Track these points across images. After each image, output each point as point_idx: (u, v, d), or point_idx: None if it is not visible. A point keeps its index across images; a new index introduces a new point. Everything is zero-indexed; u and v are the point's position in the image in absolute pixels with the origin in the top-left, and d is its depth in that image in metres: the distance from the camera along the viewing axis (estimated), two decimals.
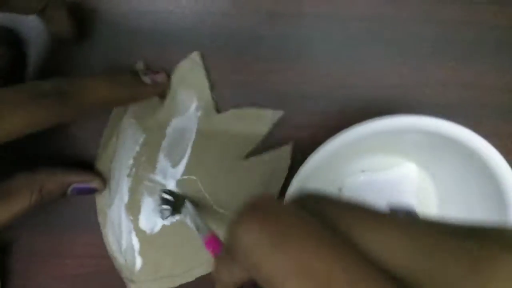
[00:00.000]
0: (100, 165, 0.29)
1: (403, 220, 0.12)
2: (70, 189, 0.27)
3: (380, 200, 0.27)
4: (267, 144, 0.29)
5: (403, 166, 0.27)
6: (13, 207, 0.24)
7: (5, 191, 0.24)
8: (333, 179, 0.27)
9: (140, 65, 0.28)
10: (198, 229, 0.24)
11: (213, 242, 0.23)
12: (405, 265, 0.11)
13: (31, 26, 0.28)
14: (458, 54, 0.27)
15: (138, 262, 0.30)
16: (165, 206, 0.27)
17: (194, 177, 0.29)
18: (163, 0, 0.28)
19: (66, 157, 0.30)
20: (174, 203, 0.28)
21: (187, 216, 0.26)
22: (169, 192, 0.28)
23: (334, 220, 0.12)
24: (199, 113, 0.28)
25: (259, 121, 0.28)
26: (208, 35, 0.28)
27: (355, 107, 0.28)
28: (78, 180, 0.27)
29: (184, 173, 0.29)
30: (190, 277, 0.30)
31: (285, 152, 0.28)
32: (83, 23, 0.28)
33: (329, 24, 0.27)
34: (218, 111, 0.28)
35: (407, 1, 0.27)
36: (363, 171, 0.27)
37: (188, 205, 0.27)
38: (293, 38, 0.28)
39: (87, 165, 0.29)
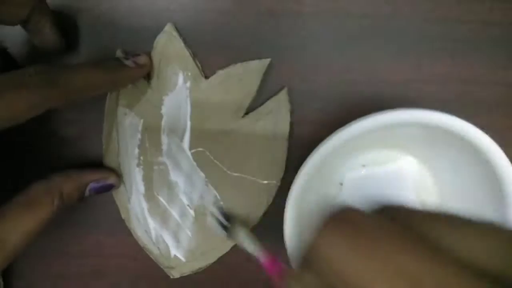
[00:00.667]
0: (108, 162, 0.29)
1: (476, 220, 0.12)
2: (88, 189, 0.27)
3: (380, 193, 0.27)
4: (264, 98, 0.28)
5: (403, 159, 0.27)
6: (38, 215, 0.24)
7: (26, 202, 0.24)
8: (334, 174, 0.27)
9: (119, 53, 0.28)
10: (254, 251, 0.24)
11: (274, 264, 0.23)
12: (495, 263, 0.11)
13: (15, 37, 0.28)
14: (455, 50, 0.28)
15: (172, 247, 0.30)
16: (219, 228, 0.27)
17: (201, 149, 0.29)
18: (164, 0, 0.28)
19: (74, 160, 0.30)
20: (225, 226, 0.27)
21: (239, 238, 0.26)
22: (221, 210, 0.28)
23: (415, 226, 0.12)
24: (188, 84, 0.28)
25: (248, 74, 0.28)
26: (209, 33, 0.28)
27: (355, 103, 0.28)
28: (94, 179, 0.28)
29: (190, 148, 0.29)
30: (225, 248, 0.30)
31: (281, 98, 0.28)
32: (70, 30, 0.28)
33: (329, 21, 0.28)
34: (206, 76, 0.28)
35: None
36: (363, 165, 0.27)
37: (239, 229, 0.26)
38: (293, 35, 0.28)
39: (96, 165, 0.30)
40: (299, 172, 0.23)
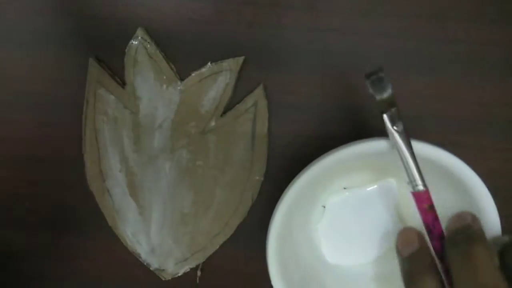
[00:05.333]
0: (90, 170, 0.29)
1: None
2: None
3: (362, 214, 0.28)
4: (241, 97, 0.29)
5: (384, 181, 0.27)
6: None
7: None
8: (316, 197, 0.27)
9: (92, 61, 0.28)
10: (412, 179, 0.23)
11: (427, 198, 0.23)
12: None
13: None
14: (431, 68, 0.28)
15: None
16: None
17: (182, 151, 0.29)
18: (144, 8, 0.28)
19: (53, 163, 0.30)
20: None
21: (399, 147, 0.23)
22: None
23: None
24: (164, 87, 0.28)
25: (223, 73, 0.28)
26: (189, 43, 0.28)
27: (332, 116, 0.29)
28: None
29: (171, 150, 0.29)
30: (214, 247, 0.30)
31: (258, 94, 0.28)
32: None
33: (307, 35, 0.28)
34: (181, 78, 0.28)
35: (384, 16, 0.28)
36: (344, 188, 0.27)
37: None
38: (272, 47, 0.28)
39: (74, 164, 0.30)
40: (281, 197, 0.24)
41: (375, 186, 0.27)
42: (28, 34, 0.29)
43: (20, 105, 0.29)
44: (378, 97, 0.23)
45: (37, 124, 0.29)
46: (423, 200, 0.23)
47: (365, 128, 0.29)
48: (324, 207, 0.28)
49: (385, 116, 0.22)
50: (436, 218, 0.23)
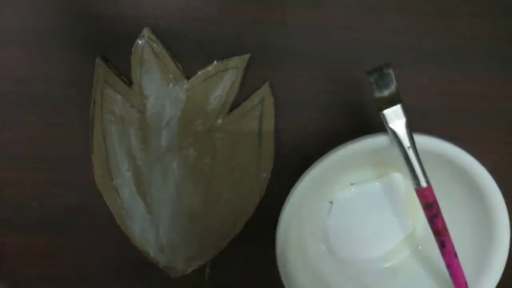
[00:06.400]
0: (98, 170, 0.30)
1: None
2: None
3: (369, 210, 0.28)
4: (247, 94, 0.29)
5: (390, 176, 0.27)
6: None
7: None
8: (324, 193, 0.28)
9: (98, 61, 0.28)
10: (416, 176, 0.23)
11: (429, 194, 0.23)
12: None
13: None
14: (436, 63, 0.29)
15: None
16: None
17: (189, 149, 0.29)
18: (150, 7, 0.28)
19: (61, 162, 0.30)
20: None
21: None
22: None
23: None
24: (170, 86, 0.28)
25: (229, 71, 0.28)
26: (193, 41, 0.28)
27: (337, 113, 0.29)
28: None
29: (178, 149, 0.29)
30: (222, 245, 0.30)
31: (264, 92, 0.28)
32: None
33: (312, 32, 0.28)
34: (188, 77, 0.28)
35: (388, 12, 0.28)
36: (352, 184, 0.28)
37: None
38: (277, 45, 0.29)
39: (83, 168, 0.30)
40: (289, 194, 0.24)
41: (382, 181, 0.28)
42: (34, 35, 0.29)
43: (26, 105, 0.29)
44: (378, 95, 0.23)
45: (44, 124, 0.30)
46: (425, 197, 0.23)
47: (371, 123, 0.29)
48: (332, 203, 0.28)
49: (383, 114, 0.23)
50: (436, 215, 0.23)
